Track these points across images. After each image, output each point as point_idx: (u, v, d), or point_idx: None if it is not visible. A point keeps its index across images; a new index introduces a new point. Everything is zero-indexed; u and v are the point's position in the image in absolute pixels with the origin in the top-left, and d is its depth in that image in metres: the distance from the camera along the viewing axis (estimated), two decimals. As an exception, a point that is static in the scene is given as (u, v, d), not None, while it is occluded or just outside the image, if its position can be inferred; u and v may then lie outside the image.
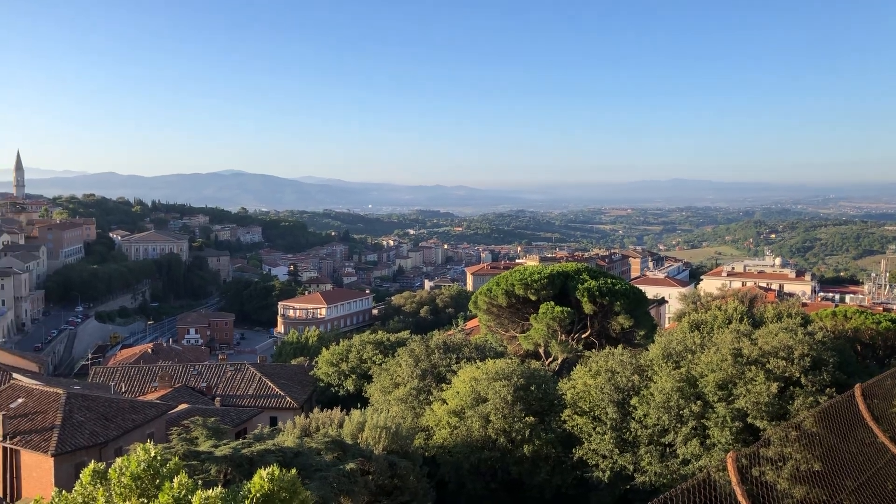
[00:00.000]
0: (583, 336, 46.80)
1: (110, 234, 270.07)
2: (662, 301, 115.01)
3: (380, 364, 51.79)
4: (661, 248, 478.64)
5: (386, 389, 44.64)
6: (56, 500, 15.45)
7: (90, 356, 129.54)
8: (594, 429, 31.88)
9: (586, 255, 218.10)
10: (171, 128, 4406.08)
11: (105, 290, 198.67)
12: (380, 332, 71.74)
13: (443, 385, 40.28)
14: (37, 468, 35.97)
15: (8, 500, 34.81)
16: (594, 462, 31.53)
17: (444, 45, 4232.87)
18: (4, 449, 36.75)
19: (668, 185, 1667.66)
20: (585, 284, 45.66)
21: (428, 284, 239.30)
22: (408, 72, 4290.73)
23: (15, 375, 49.16)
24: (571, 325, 45.89)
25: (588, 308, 45.50)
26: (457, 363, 42.45)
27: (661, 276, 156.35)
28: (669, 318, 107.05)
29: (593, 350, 42.48)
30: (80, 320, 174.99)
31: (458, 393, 36.54)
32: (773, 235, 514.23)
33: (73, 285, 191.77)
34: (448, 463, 34.60)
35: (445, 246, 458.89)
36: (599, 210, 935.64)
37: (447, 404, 36.90)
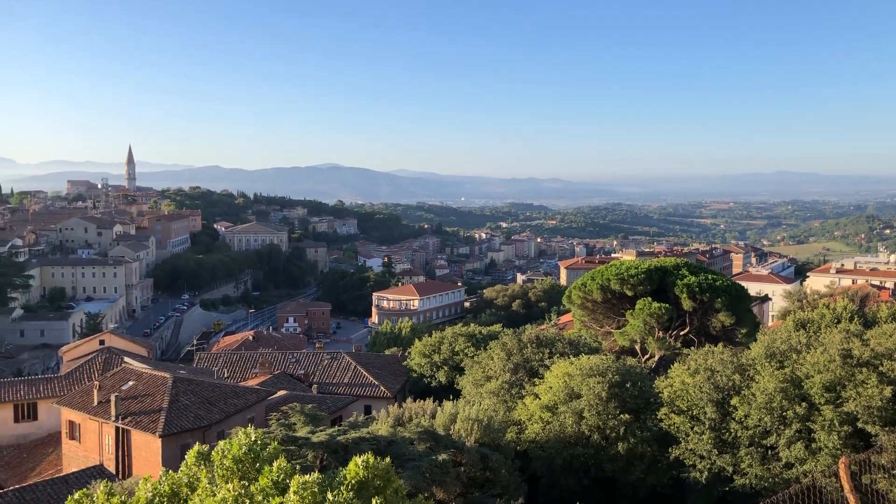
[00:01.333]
0: (681, 333, 45.51)
1: (214, 226, 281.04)
2: (766, 298, 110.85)
3: (472, 357, 51.88)
4: (764, 243, 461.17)
5: (478, 382, 44.67)
6: (163, 479, 16.13)
7: (195, 342, 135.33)
8: (692, 428, 30.98)
9: (685, 249, 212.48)
10: (272, 124, 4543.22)
11: (209, 279, 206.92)
12: (472, 324, 71.87)
13: (535, 380, 39.98)
14: (146, 448, 37.80)
15: (120, 476, 36.70)
16: (691, 462, 30.64)
17: (540, 38, 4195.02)
18: (117, 429, 38.79)
19: (772, 178, 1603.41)
20: (685, 280, 44.36)
21: (520, 278, 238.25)
22: (504, 65, 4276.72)
23: (126, 359, 51.77)
24: (669, 321, 44.71)
25: (687, 304, 44.20)
26: (550, 358, 42.05)
27: (764, 272, 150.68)
28: (773, 316, 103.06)
29: (692, 348, 41.27)
30: (185, 308, 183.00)
31: (550, 388, 36.20)
32: (887, 231, 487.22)
33: (180, 274, 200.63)
34: (540, 458, 34.34)
35: (538, 239, 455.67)
36: (699, 203, 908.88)
37: (540, 399, 36.61)
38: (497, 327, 68.55)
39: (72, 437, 42.19)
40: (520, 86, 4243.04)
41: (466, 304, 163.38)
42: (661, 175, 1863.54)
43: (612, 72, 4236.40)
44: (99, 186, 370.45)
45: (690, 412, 31.45)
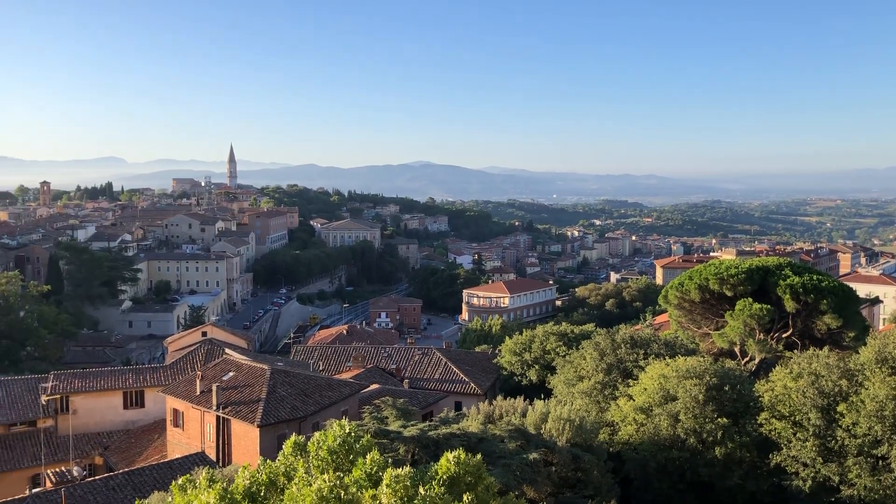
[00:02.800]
0: (783, 336, 43.69)
1: (311, 222, 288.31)
2: (876, 300, 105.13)
3: (563, 356, 51.33)
4: (875, 242, 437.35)
5: (570, 382, 44.16)
6: (261, 467, 16.63)
7: (292, 335, 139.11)
8: (794, 434, 29.73)
9: (789, 248, 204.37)
10: (367, 122, 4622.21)
11: (306, 274, 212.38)
12: (563, 323, 71.15)
13: (629, 381, 39.21)
14: (244, 437, 39.10)
15: (220, 463, 38.11)
16: (794, 470, 29.42)
17: (638, 38, 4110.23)
18: (218, 417, 40.28)
19: (884, 174, 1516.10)
20: (788, 280, 42.55)
21: (614, 277, 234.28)
22: (598, 63, 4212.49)
23: (227, 350, 53.68)
24: (771, 323, 42.99)
25: (790, 306, 42.38)
26: (644, 359, 41.14)
27: (875, 273, 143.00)
28: (884, 319, 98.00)
29: (795, 351, 39.57)
30: (283, 302, 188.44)
31: (645, 389, 35.43)
32: None
33: (278, 269, 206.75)
34: (634, 460, 33.67)
35: (633, 237, 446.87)
36: (804, 201, 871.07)
37: (634, 400, 35.89)
38: (590, 327, 67.60)
39: (176, 425, 44.07)
40: (615, 83, 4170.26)
41: (558, 303, 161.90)
42: (763, 171, 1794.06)
43: (712, 68, 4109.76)
44: (202, 184, 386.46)
45: (793, 418, 30.20)
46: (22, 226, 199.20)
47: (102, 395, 51.24)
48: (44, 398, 50.35)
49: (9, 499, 31.78)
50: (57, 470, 36.58)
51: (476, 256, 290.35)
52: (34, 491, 35.42)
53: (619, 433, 35.58)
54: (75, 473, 35.24)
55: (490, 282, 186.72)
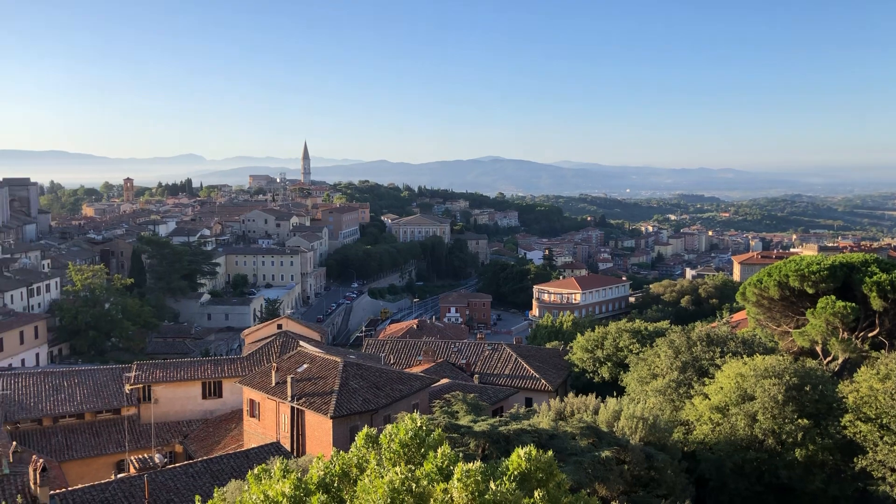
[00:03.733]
0: (868, 335, 41.93)
1: (382, 217, 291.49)
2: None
3: (637, 353, 50.55)
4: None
5: (643, 379, 43.46)
6: (335, 459, 16.86)
7: (363, 329, 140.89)
8: (881, 438, 28.52)
9: (875, 245, 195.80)
10: (437, 118, 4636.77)
11: (377, 268, 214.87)
12: (637, 320, 70.03)
13: (705, 379, 38.31)
14: (318, 427, 39.78)
15: (295, 454, 38.89)
16: (880, 474, 28.24)
17: (709, 28, 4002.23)
18: (292, 408, 41.11)
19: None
20: (874, 277, 40.77)
21: (689, 273, 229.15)
22: (669, 54, 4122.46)
23: (301, 343, 54.70)
24: (855, 322, 41.30)
25: (877, 304, 40.60)
26: (721, 357, 40.13)
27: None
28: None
29: (882, 351, 37.95)
30: (355, 296, 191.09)
31: (721, 388, 34.55)
32: None
33: (350, 263, 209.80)
34: (709, 460, 32.89)
35: (710, 232, 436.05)
36: (892, 195, 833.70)
37: (709, 399, 35.05)
38: (664, 324, 66.28)
39: (252, 415, 45.17)
40: (691, 74, 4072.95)
41: (631, 299, 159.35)
42: (847, 163, 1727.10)
43: (789, 54, 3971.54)
44: (278, 181, 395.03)
45: (879, 420, 28.98)
46: (107, 221, 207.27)
47: (182, 385, 52.92)
48: (127, 387, 52.29)
49: (96, 483, 33.16)
50: (140, 456, 37.99)
51: (547, 252, 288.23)
52: (119, 476, 36.86)
53: (694, 432, 34.82)
54: (157, 460, 36.53)
55: (561, 277, 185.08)
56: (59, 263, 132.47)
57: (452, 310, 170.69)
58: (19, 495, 27.36)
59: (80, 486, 32.97)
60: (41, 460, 28.88)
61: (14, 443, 33.37)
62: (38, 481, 27.87)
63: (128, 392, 52.14)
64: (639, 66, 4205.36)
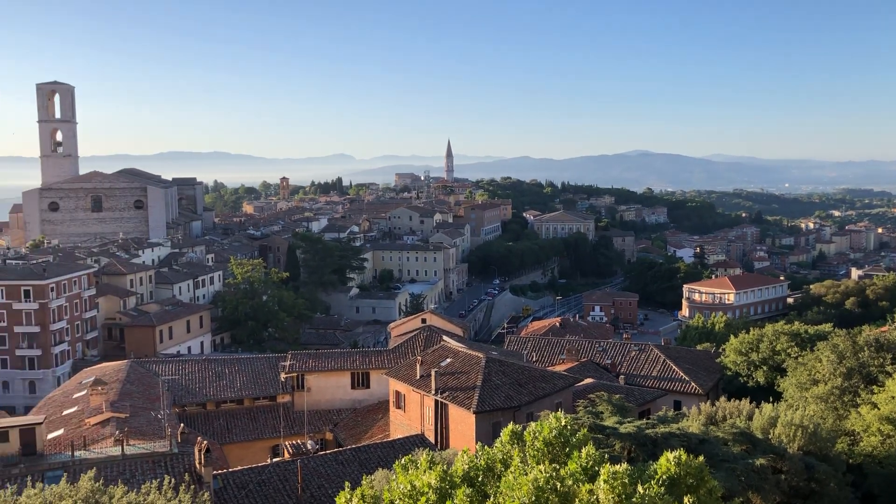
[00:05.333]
0: None
1: (524, 214, 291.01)
2: None
3: (796, 357, 47.73)
4: None
5: (802, 385, 40.93)
6: (479, 453, 16.94)
7: (505, 325, 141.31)
8: None
9: None
10: (580, 112, 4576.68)
11: (518, 265, 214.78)
12: (796, 322, 66.30)
13: (873, 387, 35.57)
14: (461, 422, 40.23)
15: (439, 446, 39.52)
16: None
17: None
18: (436, 402, 41.80)
19: None
20: None
21: (855, 273, 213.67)
22: (828, 32, 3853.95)
23: (444, 338, 55.50)
24: None
25: None
26: (892, 364, 37.11)
27: None
28: None
29: None
30: (496, 292, 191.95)
31: (893, 397, 31.92)
32: None
33: (491, 260, 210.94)
34: (878, 475, 30.51)
35: (880, 230, 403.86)
36: None
37: (878, 409, 32.49)
38: (826, 327, 62.15)
39: (398, 406, 46.32)
40: (857, 53, 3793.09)
41: (789, 300, 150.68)
42: None
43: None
44: (422, 178, 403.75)
45: None
46: (265, 218, 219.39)
47: (333, 374, 55.04)
48: (283, 376, 54.99)
49: (253, 465, 35.13)
50: (293, 442, 39.84)
51: (698, 249, 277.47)
52: (274, 460, 38.86)
53: (861, 444, 32.40)
54: (309, 446, 38.18)
55: (713, 276, 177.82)
56: (222, 258, 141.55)
57: (597, 308, 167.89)
58: (186, 473, 29.40)
59: (239, 467, 35.04)
60: (205, 442, 30.90)
61: (181, 425, 35.90)
62: (202, 461, 29.84)
63: (283, 380, 54.82)
64: (800, 48, 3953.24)
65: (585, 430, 18.06)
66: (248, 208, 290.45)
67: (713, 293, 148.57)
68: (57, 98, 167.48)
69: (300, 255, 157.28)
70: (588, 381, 49.41)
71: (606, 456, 18.81)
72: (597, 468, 15.63)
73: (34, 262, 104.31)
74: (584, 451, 15.93)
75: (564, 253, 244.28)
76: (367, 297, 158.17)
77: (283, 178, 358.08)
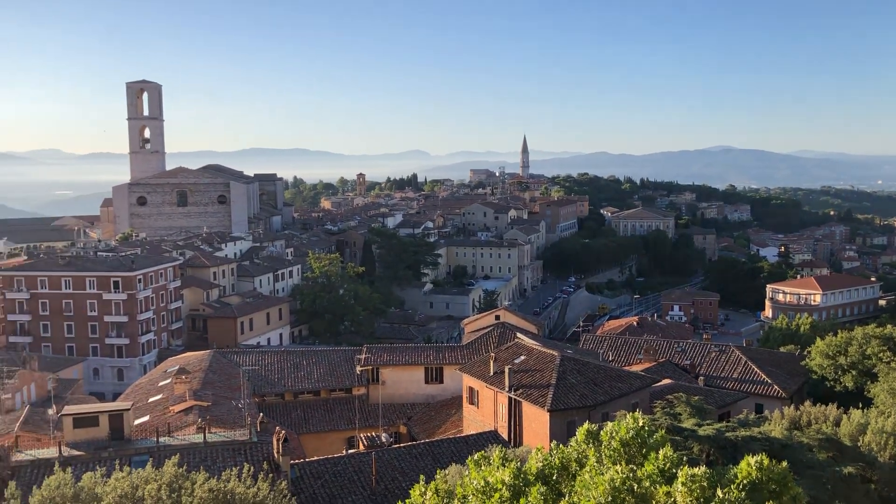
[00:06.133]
0: None
1: (601, 211, 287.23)
2: None
3: (888, 362, 45.67)
4: None
5: (894, 391, 39.09)
6: (554, 451, 16.76)
7: (580, 324, 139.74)
8: None
9: None
10: (659, 106, 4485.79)
11: (595, 263, 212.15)
12: (888, 325, 63.29)
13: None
14: (535, 419, 39.97)
15: (512, 443, 39.38)
16: None
17: None
18: (510, 399, 41.65)
19: None
20: None
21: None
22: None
23: (518, 335, 55.31)
24: None
25: None
26: None
27: None
28: None
29: None
30: (571, 290, 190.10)
31: None
32: None
33: (567, 257, 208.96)
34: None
35: None
36: None
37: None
38: (922, 330, 59.22)
39: (471, 402, 46.37)
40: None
41: (881, 302, 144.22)
42: None
43: None
44: (497, 174, 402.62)
45: None
46: (342, 213, 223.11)
47: (407, 368, 55.53)
48: (358, 368, 55.80)
49: (329, 456, 35.74)
50: (368, 434, 40.36)
51: (782, 249, 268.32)
52: (349, 452, 39.47)
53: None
54: (383, 439, 38.61)
55: (798, 276, 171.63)
56: (301, 252, 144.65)
57: (676, 308, 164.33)
58: (265, 462, 30.12)
59: (315, 457, 35.72)
60: (283, 432, 31.60)
61: (260, 414, 36.80)
62: (280, 451, 30.53)
63: (358, 373, 55.62)
64: (891, 37, 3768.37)
65: (663, 431, 17.64)
66: (325, 204, 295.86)
67: (798, 294, 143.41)
68: (145, 96, 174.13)
69: (376, 251, 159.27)
70: (666, 381, 48.45)
71: (685, 458, 18.35)
72: (674, 470, 15.28)
73: (123, 254, 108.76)
74: (661, 452, 15.59)
75: (643, 251, 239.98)
76: (440, 293, 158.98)
77: (360, 174, 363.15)
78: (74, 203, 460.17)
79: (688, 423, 30.72)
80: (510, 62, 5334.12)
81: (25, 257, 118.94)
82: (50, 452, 30.05)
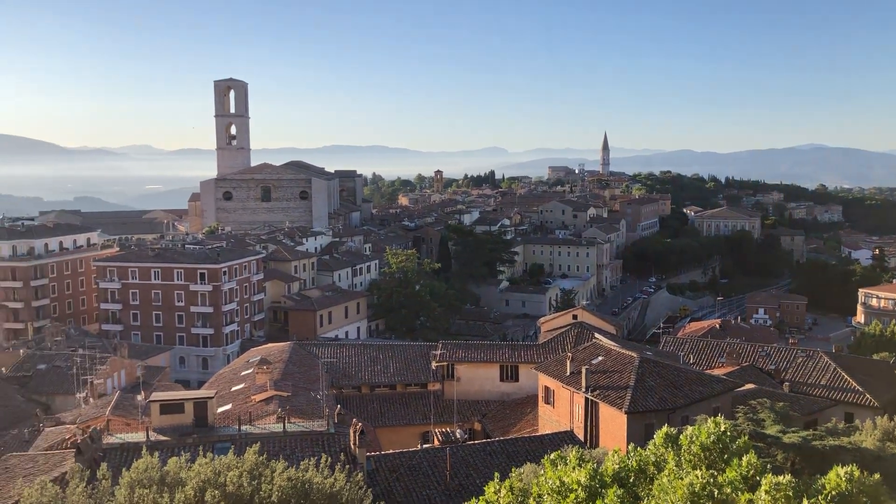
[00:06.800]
0: None
1: (683, 210, 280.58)
2: None
3: None
4: None
5: None
6: (631, 454, 16.46)
7: (661, 325, 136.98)
8: None
9: None
10: (746, 103, 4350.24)
11: (676, 263, 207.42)
12: None
13: None
14: (612, 421, 39.39)
15: (588, 444, 38.91)
16: None
17: None
18: (586, 399, 41.15)
19: None
20: None
21: None
22: None
23: (596, 335, 54.56)
24: None
25: None
26: None
27: None
28: None
29: None
30: (652, 290, 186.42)
31: None
32: None
33: (647, 257, 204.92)
34: None
35: None
36: None
37: None
38: None
39: (546, 402, 46.03)
40: None
41: None
42: None
43: None
44: (576, 172, 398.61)
45: None
46: (419, 210, 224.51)
47: (482, 366, 55.52)
48: (434, 364, 56.11)
49: (404, 450, 36.05)
50: (443, 430, 40.58)
51: (876, 251, 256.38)
52: (424, 446, 39.72)
53: None
54: (458, 435, 38.76)
55: (894, 281, 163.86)
56: (378, 247, 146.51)
57: (761, 311, 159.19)
58: (342, 453, 30.59)
59: (390, 451, 36.09)
60: (360, 424, 32.05)
61: (338, 406, 37.41)
62: (357, 442, 30.97)
63: (434, 368, 55.93)
64: None
65: (746, 437, 17.10)
66: (403, 200, 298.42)
67: (893, 299, 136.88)
68: (232, 94, 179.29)
69: (452, 247, 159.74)
70: (749, 386, 46.99)
71: (768, 466, 17.77)
72: (758, 478, 14.84)
73: (209, 247, 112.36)
74: (744, 458, 15.15)
75: (727, 251, 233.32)
76: (516, 291, 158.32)
77: (438, 171, 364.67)
78: (164, 197, 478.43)
79: (772, 430, 29.74)
80: (591, 58, 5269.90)
81: (118, 248, 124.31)
82: (138, 437, 31.26)
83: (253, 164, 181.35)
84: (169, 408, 32.41)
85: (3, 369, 66.90)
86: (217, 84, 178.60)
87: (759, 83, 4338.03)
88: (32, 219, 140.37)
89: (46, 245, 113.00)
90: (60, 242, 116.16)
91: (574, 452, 17.15)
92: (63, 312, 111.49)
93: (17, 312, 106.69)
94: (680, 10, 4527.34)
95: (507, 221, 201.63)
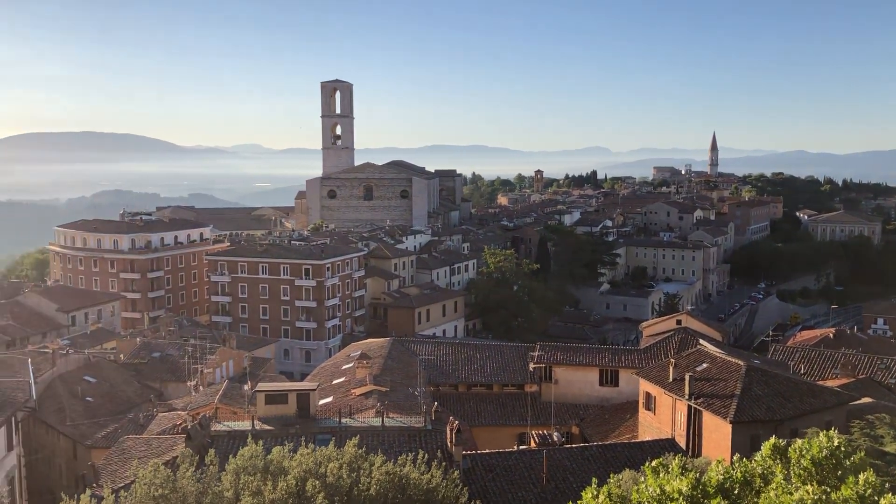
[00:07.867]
0: None
1: (796, 213, 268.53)
2: None
3: None
4: None
5: None
6: (736, 465, 15.85)
7: (770, 333, 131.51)
8: None
9: None
10: (864, 100, 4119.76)
11: (788, 268, 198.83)
12: None
13: None
14: (715, 430, 38.08)
15: (690, 453, 37.77)
16: None
17: None
18: (689, 407, 39.93)
19: None
20: None
21: None
22: None
23: (701, 341, 52.89)
24: None
25: None
26: None
27: None
28: None
29: None
30: (761, 297, 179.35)
31: None
32: None
33: (757, 262, 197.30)
34: None
35: None
36: None
37: None
38: None
39: (647, 408, 44.94)
40: None
41: None
42: None
43: None
44: (682, 172, 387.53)
45: None
46: (518, 210, 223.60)
47: (581, 369, 54.74)
48: (531, 365, 55.70)
49: (500, 450, 35.99)
50: (540, 432, 40.25)
51: None
52: (521, 447, 39.54)
53: None
54: (555, 438, 38.34)
55: None
56: (476, 247, 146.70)
57: (880, 321, 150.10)
58: (438, 450, 30.82)
59: (486, 450, 36.10)
60: (457, 422, 32.19)
61: (435, 403, 37.72)
62: (453, 440, 31.12)
63: (531, 370, 55.55)
64: None
65: (863, 453, 16.18)
66: (502, 200, 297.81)
67: None
68: (338, 95, 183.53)
69: (551, 248, 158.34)
70: (866, 400, 44.43)
71: (887, 485, 16.77)
72: (876, 497, 14.00)
73: (314, 243, 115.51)
74: (861, 476, 14.32)
75: (843, 257, 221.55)
76: (618, 294, 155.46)
77: (538, 170, 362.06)
78: (272, 194, 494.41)
79: (891, 448, 28.09)
80: (698, 55, 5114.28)
81: (228, 243, 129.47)
82: (244, 425, 32.43)
83: (356, 163, 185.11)
84: (274, 398, 33.48)
85: (121, 356, 70.62)
86: (324, 85, 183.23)
87: (879, 78, 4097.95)
88: (150, 214, 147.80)
89: (162, 239, 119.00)
90: (175, 237, 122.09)
91: (676, 460, 16.66)
92: (176, 304, 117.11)
93: (134, 303, 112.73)
94: (796, 3, 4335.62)
95: (609, 222, 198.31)
